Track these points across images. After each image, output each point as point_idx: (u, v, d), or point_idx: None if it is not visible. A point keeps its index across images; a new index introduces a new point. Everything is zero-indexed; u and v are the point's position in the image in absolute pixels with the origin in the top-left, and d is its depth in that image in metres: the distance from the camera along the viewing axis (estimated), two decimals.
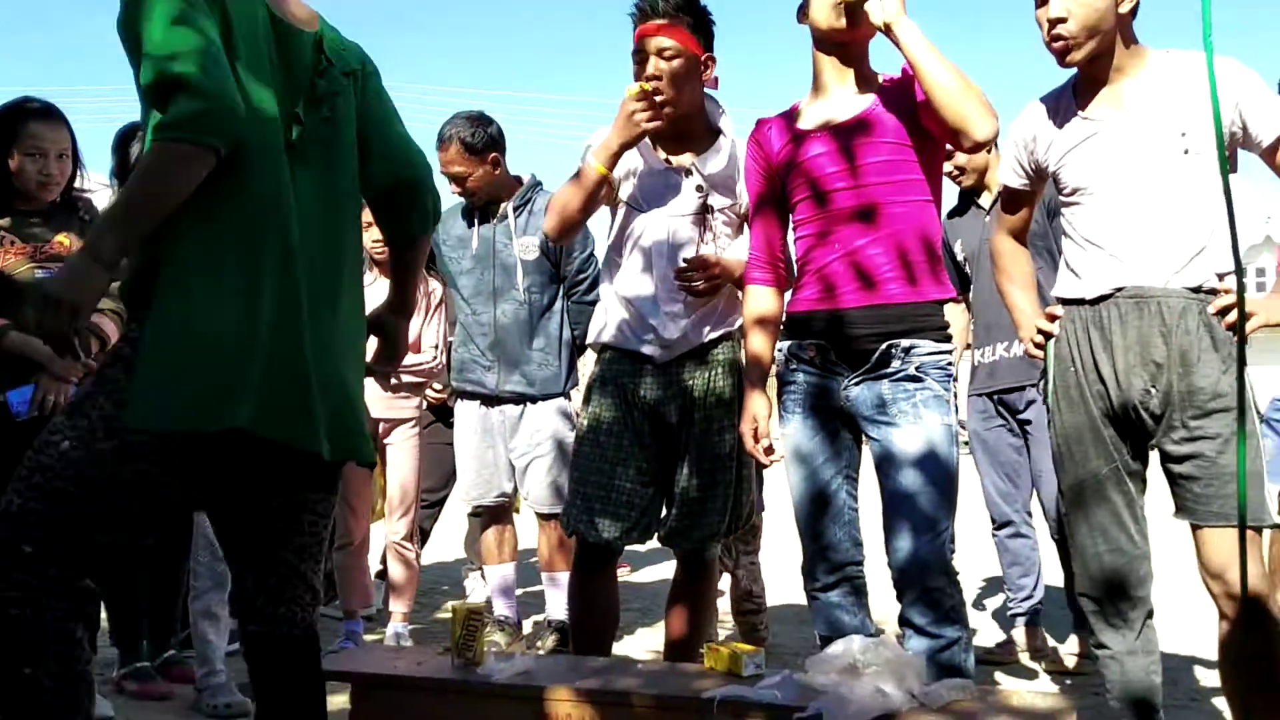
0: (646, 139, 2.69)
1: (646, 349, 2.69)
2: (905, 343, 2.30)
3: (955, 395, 2.37)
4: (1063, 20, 2.20)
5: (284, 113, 1.72)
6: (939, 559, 2.24)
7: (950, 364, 2.35)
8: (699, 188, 2.68)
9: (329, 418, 1.76)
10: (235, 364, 1.65)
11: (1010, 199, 2.53)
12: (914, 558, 2.24)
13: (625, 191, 2.72)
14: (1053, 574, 3.86)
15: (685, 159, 2.70)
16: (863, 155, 2.32)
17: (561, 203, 2.64)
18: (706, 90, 2.72)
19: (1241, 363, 2.17)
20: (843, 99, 2.39)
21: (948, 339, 2.38)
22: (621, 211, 2.74)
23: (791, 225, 2.49)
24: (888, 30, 2.25)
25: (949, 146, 2.46)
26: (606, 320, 2.77)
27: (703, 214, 2.68)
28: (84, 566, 1.69)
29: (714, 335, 2.72)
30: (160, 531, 1.92)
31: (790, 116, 2.48)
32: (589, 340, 2.90)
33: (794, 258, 2.54)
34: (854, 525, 2.41)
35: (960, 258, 3.75)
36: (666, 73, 2.54)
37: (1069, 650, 3.53)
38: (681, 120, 2.67)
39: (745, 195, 2.66)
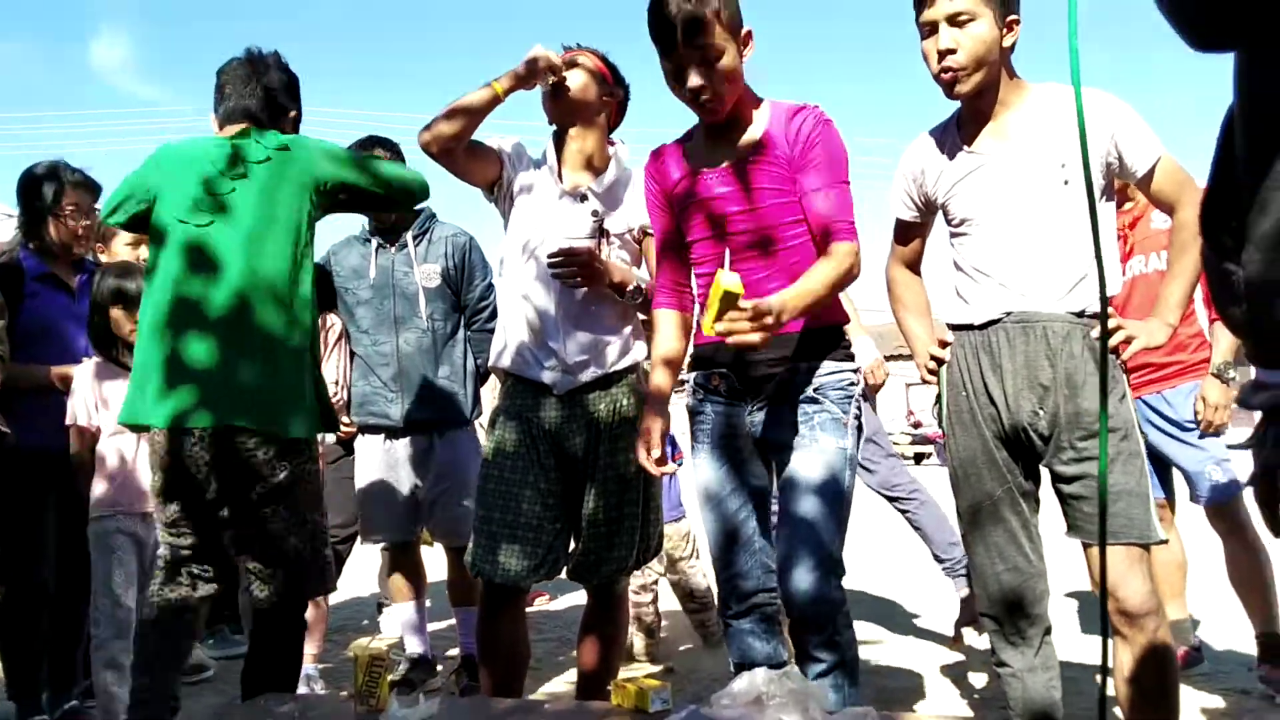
0: (550, 163, 2.70)
1: (547, 376, 2.67)
2: (805, 365, 2.30)
3: (858, 417, 2.34)
4: (952, 51, 2.25)
5: (202, 192, 2.61)
6: (823, 584, 2.23)
7: (852, 384, 2.33)
8: (595, 213, 2.69)
9: (183, 398, 2.48)
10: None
11: (902, 231, 2.57)
12: (798, 583, 2.23)
13: (515, 196, 2.75)
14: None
15: (582, 183, 2.71)
16: (758, 185, 2.29)
17: (445, 115, 2.60)
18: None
19: (1104, 386, 2.21)
20: (735, 126, 2.35)
21: (850, 358, 2.37)
22: (513, 227, 2.74)
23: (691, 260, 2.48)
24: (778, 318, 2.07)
25: None
26: (506, 341, 2.75)
27: (598, 238, 2.68)
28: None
29: (619, 366, 2.71)
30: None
31: (684, 147, 2.45)
32: (491, 362, 2.86)
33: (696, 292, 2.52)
34: (765, 553, 2.39)
35: None
36: (577, 70, 2.70)
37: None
38: (582, 144, 2.70)
39: (639, 222, 2.69)
